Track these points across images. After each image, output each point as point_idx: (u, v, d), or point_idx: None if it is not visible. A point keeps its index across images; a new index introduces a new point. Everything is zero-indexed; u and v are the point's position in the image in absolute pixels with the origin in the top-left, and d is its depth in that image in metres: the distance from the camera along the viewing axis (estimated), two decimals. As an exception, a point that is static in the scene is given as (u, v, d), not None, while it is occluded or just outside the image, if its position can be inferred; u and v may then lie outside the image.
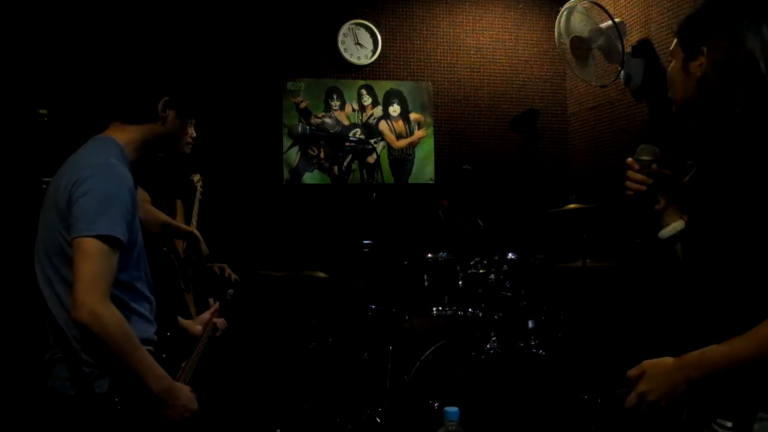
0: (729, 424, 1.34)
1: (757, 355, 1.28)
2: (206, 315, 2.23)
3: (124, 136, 1.85)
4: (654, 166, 1.58)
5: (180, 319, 2.10)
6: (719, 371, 1.32)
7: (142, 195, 2.62)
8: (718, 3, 1.46)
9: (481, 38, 4.67)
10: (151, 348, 1.80)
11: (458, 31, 4.63)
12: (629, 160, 1.60)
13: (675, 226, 1.59)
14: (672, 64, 1.53)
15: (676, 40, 1.52)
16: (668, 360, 1.38)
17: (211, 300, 2.81)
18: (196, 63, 4.07)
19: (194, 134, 2.96)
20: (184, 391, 1.80)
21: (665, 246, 1.63)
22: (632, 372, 1.40)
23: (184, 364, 1.97)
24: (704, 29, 1.44)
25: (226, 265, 3.11)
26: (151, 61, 1.92)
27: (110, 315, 1.64)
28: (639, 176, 1.58)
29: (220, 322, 2.25)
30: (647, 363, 1.39)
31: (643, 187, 1.57)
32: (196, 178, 3.16)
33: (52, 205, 1.75)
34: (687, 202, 1.55)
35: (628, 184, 1.59)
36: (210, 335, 2.18)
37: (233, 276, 3.07)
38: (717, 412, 1.38)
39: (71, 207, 1.68)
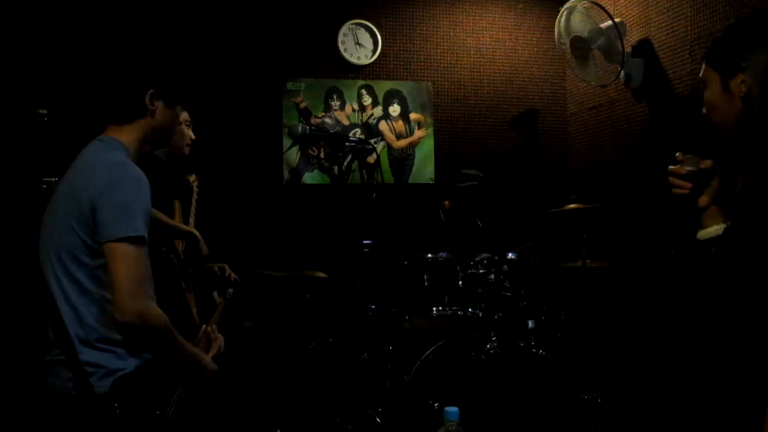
0: None
1: None
2: (198, 336, 2.22)
3: (124, 136, 1.87)
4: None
5: None
6: None
7: None
8: (747, 24, 1.48)
9: (481, 38, 4.67)
10: None
11: (458, 31, 4.63)
12: (678, 155, 1.58)
13: (717, 229, 1.54)
14: (708, 91, 1.52)
15: (704, 67, 1.53)
16: None
17: (215, 294, 2.82)
18: (192, 60, 4.07)
19: (193, 136, 2.97)
20: (207, 358, 1.97)
21: (702, 248, 1.59)
22: None
23: None
24: (740, 47, 1.45)
25: (226, 265, 3.11)
26: (130, 58, 1.95)
27: (156, 314, 1.74)
28: (682, 171, 1.55)
29: (218, 341, 2.21)
30: None
31: (685, 191, 1.55)
32: (192, 178, 3.16)
33: (69, 207, 1.76)
34: (734, 209, 1.52)
35: (671, 180, 1.57)
36: (207, 346, 2.17)
37: (233, 276, 3.07)
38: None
39: (96, 212, 1.71)
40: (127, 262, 1.68)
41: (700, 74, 1.56)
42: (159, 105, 1.90)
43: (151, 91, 1.87)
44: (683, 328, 3.29)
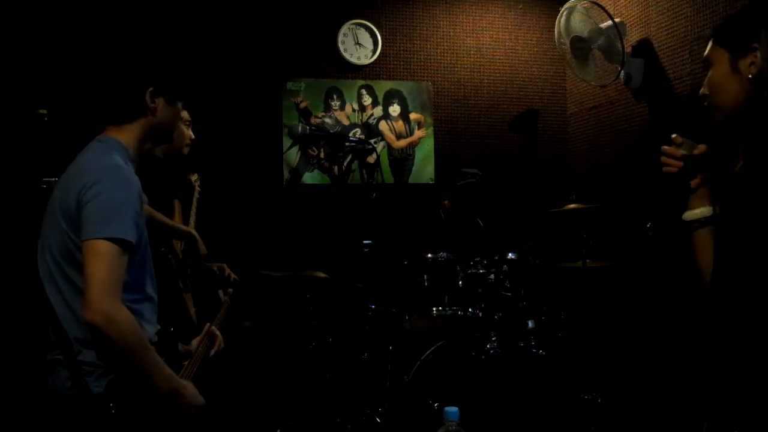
0: None
1: None
2: (202, 334, 2.19)
3: (123, 136, 1.85)
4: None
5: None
6: None
7: None
8: (762, 4, 1.44)
9: (481, 38, 4.67)
10: (153, 347, 1.81)
11: (458, 31, 4.63)
12: (675, 137, 1.56)
13: (703, 211, 1.55)
14: (714, 70, 1.49)
15: (710, 45, 1.50)
16: None
17: (221, 293, 2.81)
18: (192, 60, 4.07)
19: (192, 136, 2.97)
20: (189, 388, 1.84)
21: (685, 229, 1.58)
22: None
23: (186, 363, 1.98)
24: (753, 25, 1.41)
25: (225, 265, 3.11)
26: (128, 57, 1.91)
27: (124, 318, 1.66)
28: (677, 153, 1.54)
29: (218, 341, 2.18)
30: None
31: (674, 169, 1.55)
32: (194, 177, 3.17)
33: (59, 208, 1.75)
34: (728, 190, 1.50)
35: (663, 159, 1.56)
36: (209, 345, 2.16)
37: (232, 276, 3.08)
38: (735, 425, 1.39)
39: (81, 210, 1.69)
40: (102, 261, 1.64)
41: (705, 53, 1.53)
42: (159, 102, 1.87)
43: (150, 89, 1.85)
44: (677, 317, 3.29)
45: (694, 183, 1.56)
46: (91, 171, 1.73)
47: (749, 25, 1.43)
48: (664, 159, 1.56)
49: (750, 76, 1.42)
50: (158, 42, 3.98)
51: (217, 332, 2.19)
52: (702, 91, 1.54)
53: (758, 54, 1.40)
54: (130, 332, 1.67)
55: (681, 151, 1.54)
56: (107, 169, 1.74)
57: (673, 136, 1.56)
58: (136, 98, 1.84)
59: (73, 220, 1.71)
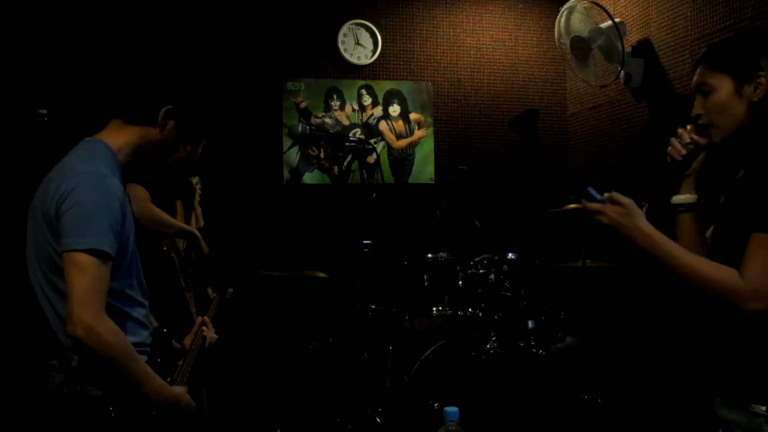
0: (764, 408, 1.46)
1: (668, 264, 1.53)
2: (194, 329, 2.15)
3: (119, 138, 1.80)
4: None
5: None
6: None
7: (143, 194, 2.62)
8: (761, 32, 1.56)
9: (481, 38, 4.67)
10: (147, 349, 1.80)
11: (458, 31, 4.63)
12: (680, 130, 1.69)
13: (689, 198, 1.69)
14: (717, 94, 1.57)
15: (705, 70, 1.59)
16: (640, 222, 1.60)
17: (209, 290, 2.79)
18: (191, 59, 4.07)
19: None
20: (182, 396, 1.81)
21: (671, 210, 1.73)
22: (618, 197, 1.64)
23: (180, 363, 1.97)
24: (756, 53, 1.52)
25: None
26: (161, 65, 1.89)
27: (106, 330, 1.63)
28: (686, 139, 1.66)
29: (209, 336, 2.13)
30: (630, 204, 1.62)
31: (679, 157, 1.67)
32: (195, 180, 3.16)
33: (41, 214, 1.72)
34: (727, 197, 1.62)
35: (670, 151, 1.69)
36: (202, 342, 2.14)
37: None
38: (752, 397, 1.49)
39: (60, 219, 1.66)
40: (81, 273, 1.60)
41: (706, 78, 1.60)
42: (170, 123, 1.84)
43: (169, 107, 1.82)
44: (679, 313, 3.29)
45: (687, 173, 1.71)
46: (69, 178, 1.68)
47: (752, 52, 1.53)
48: (673, 142, 1.68)
49: (755, 99, 1.52)
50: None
51: (208, 323, 2.15)
52: (696, 112, 1.62)
53: (763, 80, 1.50)
54: (114, 344, 1.63)
55: (687, 138, 1.65)
56: (85, 176, 1.68)
57: (680, 130, 1.67)
58: (153, 104, 1.81)
59: (53, 228, 1.67)
